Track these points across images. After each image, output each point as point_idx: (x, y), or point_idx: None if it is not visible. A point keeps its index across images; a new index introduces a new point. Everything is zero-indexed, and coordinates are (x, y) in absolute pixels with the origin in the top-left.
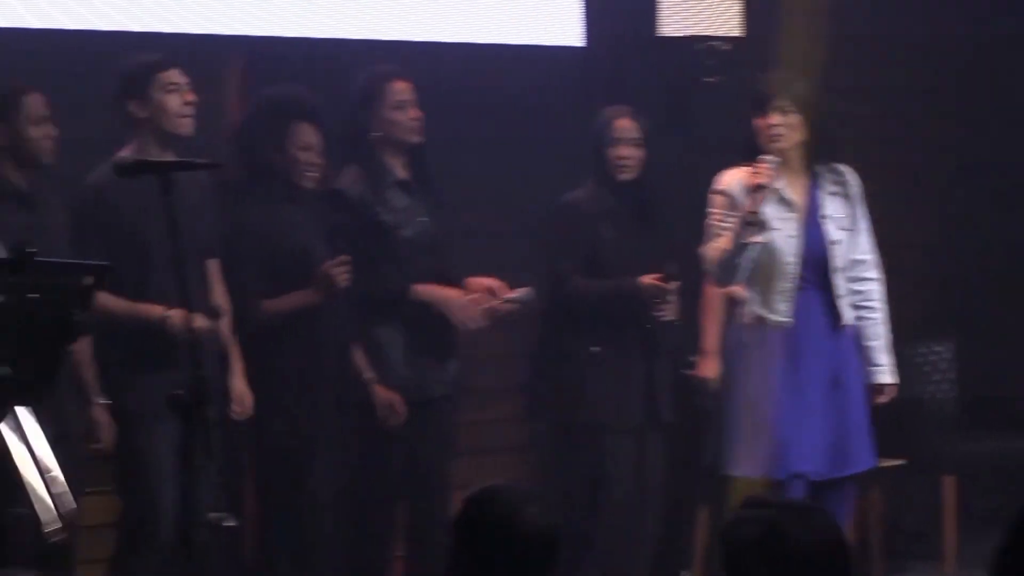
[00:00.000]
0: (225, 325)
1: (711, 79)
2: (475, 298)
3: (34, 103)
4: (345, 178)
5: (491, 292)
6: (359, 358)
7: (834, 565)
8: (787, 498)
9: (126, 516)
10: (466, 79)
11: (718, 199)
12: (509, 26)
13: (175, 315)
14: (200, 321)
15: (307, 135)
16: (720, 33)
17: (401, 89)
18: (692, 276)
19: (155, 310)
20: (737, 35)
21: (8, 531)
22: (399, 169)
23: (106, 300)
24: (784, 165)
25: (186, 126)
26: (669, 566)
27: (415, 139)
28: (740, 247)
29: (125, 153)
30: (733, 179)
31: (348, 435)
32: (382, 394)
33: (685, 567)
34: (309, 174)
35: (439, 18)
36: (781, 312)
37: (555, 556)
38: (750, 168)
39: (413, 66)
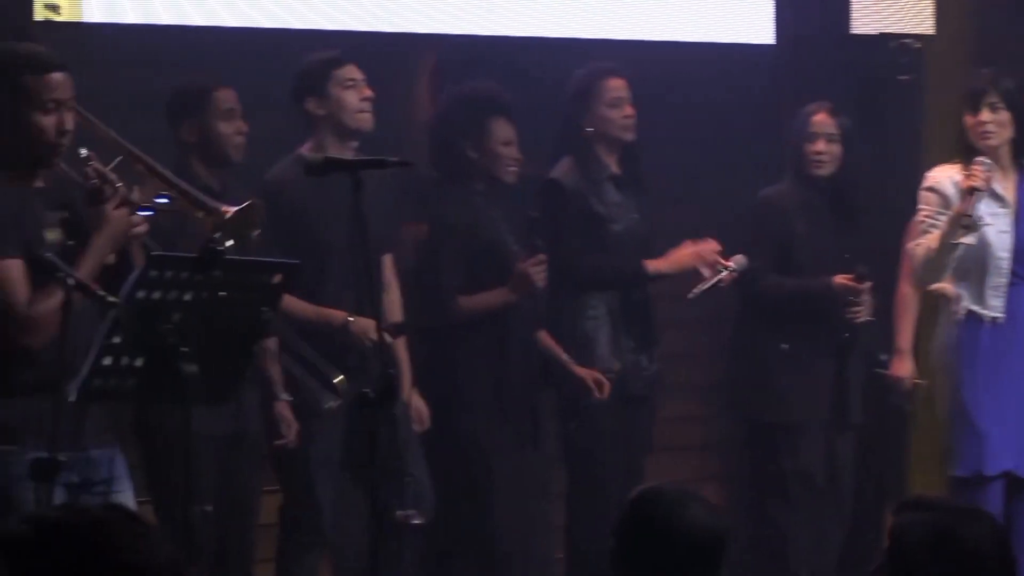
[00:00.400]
0: (402, 343)
1: (904, 77)
2: (703, 245)
3: (224, 98)
4: (559, 169)
5: (702, 258)
6: (546, 339)
7: (1003, 567)
8: (952, 501)
9: (287, 512)
10: (658, 77)
11: (929, 196)
12: (700, 24)
13: (357, 323)
14: (379, 334)
15: (505, 130)
16: (912, 31)
17: (617, 86)
18: (885, 274)
19: (338, 316)
20: (929, 32)
21: (194, 528)
22: (613, 165)
23: (289, 302)
24: (994, 162)
25: (365, 121)
26: (858, 566)
27: (628, 136)
28: (949, 247)
29: (304, 150)
30: (944, 176)
31: (542, 435)
32: (582, 372)
33: None
34: (510, 168)
35: (629, 17)
36: (994, 307)
37: (719, 557)
38: (961, 166)
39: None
